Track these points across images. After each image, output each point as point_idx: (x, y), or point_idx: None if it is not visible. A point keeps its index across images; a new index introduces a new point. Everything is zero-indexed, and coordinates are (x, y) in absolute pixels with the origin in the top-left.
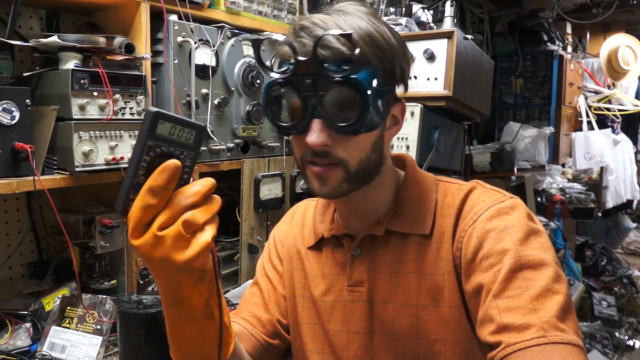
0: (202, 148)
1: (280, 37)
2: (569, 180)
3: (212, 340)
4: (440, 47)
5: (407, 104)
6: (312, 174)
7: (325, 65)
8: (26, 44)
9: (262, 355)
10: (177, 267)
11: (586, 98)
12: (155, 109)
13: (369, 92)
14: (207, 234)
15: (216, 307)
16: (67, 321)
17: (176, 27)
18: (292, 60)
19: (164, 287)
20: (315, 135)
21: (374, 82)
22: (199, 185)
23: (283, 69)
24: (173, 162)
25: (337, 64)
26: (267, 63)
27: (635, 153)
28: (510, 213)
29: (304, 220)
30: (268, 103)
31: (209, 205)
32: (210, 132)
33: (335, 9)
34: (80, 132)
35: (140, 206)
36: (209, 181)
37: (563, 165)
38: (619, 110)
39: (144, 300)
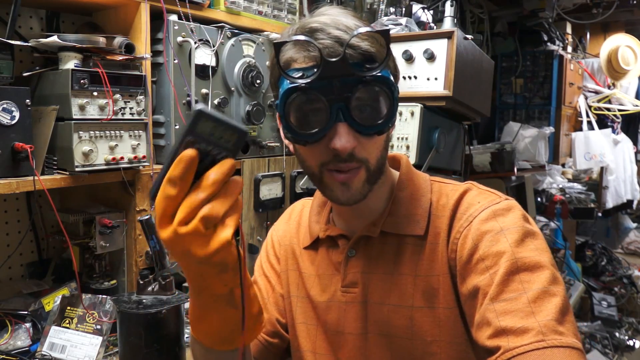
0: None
1: (278, 36)
2: (569, 180)
3: (234, 326)
4: (440, 47)
5: (407, 104)
6: (334, 182)
7: (352, 65)
8: (26, 44)
9: (263, 354)
10: (197, 261)
11: (586, 98)
12: (201, 107)
13: (394, 88)
14: (227, 231)
15: (239, 297)
16: (67, 321)
17: (176, 27)
18: (305, 65)
19: (187, 275)
20: (344, 140)
21: (392, 79)
22: (215, 173)
23: (299, 75)
24: (188, 151)
25: (361, 63)
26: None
27: (636, 153)
28: (505, 215)
29: (300, 220)
30: (286, 111)
31: (228, 192)
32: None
33: (319, 13)
34: (80, 132)
35: (162, 196)
36: (226, 166)
37: (563, 165)
38: (619, 110)
39: (144, 300)
